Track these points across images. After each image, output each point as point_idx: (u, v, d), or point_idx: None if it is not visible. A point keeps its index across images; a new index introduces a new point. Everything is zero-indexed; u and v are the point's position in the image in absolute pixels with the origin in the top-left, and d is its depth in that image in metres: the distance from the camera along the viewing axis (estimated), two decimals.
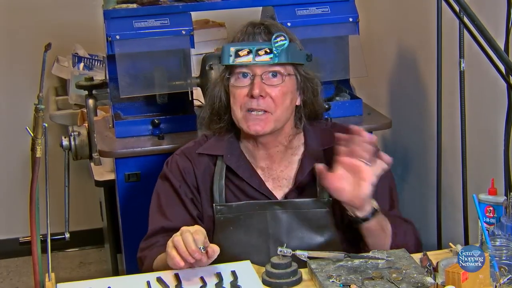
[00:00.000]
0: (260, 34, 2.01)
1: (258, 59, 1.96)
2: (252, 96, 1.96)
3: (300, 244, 1.98)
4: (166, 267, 1.83)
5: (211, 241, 2.03)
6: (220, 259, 1.93)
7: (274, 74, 1.99)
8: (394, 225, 1.97)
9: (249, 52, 1.96)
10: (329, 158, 2.05)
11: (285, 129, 2.05)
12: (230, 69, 2.01)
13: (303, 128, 2.10)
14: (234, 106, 2.00)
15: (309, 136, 2.09)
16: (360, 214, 1.90)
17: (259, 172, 2.08)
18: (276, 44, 1.96)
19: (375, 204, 1.92)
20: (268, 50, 1.96)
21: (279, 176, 2.07)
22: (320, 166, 1.90)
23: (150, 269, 1.95)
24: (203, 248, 1.74)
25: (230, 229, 2.03)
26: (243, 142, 2.10)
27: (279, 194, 2.06)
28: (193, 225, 1.97)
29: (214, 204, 2.05)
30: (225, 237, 2.04)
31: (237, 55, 1.97)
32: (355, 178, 1.86)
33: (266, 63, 1.97)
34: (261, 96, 1.96)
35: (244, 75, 1.99)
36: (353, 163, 1.85)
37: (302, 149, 2.09)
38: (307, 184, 2.06)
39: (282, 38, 1.96)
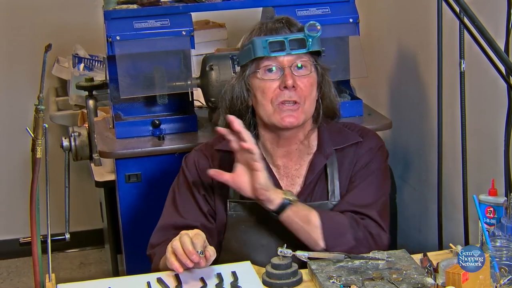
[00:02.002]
0: (283, 28, 2.02)
1: (292, 50, 1.98)
2: (285, 87, 1.97)
3: None
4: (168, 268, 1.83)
5: (223, 239, 2.06)
6: (230, 257, 1.95)
7: (300, 66, 1.99)
8: (325, 218, 1.97)
9: (282, 43, 1.97)
10: (342, 158, 2.07)
11: (306, 125, 2.06)
12: (256, 64, 2.00)
13: (319, 127, 2.11)
14: (264, 100, 2.00)
15: (323, 135, 2.10)
16: (271, 206, 1.94)
17: (274, 170, 2.09)
18: (312, 33, 1.97)
19: (290, 196, 1.95)
20: (300, 41, 1.98)
21: (293, 174, 2.09)
22: (211, 171, 1.96)
23: (157, 268, 1.96)
24: (201, 252, 1.75)
25: (241, 228, 2.04)
26: (262, 141, 2.10)
27: None
28: (204, 222, 2.03)
29: (228, 200, 2.06)
30: (236, 236, 2.05)
31: (271, 46, 1.97)
32: (250, 171, 1.93)
33: (301, 51, 1.98)
34: (293, 87, 1.97)
35: (270, 70, 1.99)
36: (246, 158, 1.92)
37: (315, 148, 2.10)
38: (317, 183, 2.07)
39: (318, 27, 1.98)
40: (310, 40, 1.97)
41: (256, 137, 2.09)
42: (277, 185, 2.06)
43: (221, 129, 1.93)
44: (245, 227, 2.04)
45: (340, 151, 2.08)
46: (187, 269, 1.79)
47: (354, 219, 1.99)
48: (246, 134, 1.90)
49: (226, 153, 2.10)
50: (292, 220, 1.93)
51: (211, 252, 1.79)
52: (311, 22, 1.98)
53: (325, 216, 1.97)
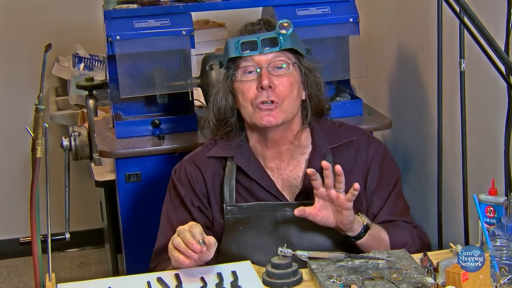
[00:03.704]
0: (261, 29, 2.04)
1: (264, 49, 1.98)
2: (262, 88, 1.97)
3: (310, 246, 1.97)
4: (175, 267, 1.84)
5: (220, 242, 2.04)
6: (228, 259, 1.94)
7: (279, 67, 2.00)
8: (391, 234, 2.00)
9: (255, 43, 1.99)
10: (337, 156, 2.07)
11: (293, 125, 2.06)
12: (235, 66, 2.02)
13: (310, 127, 2.11)
14: (244, 102, 2.01)
15: (316, 134, 2.10)
16: (351, 234, 1.94)
17: (269, 172, 2.07)
18: (282, 30, 1.98)
19: (366, 220, 1.95)
20: (273, 39, 1.99)
21: (288, 176, 2.07)
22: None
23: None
24: (202, 242, 1.75)
25: (239, 229, 2.03)
26: (252, 143, 2.09)
27: (288, 194, 2.06)
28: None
29: (224, 205, 2.04)
30: (234, 237, 2.04)
31: (243, 47, 1.99)
32: (334, 206, 1.89)
33: (273, 50, 1.99)
34: (270, 87, 1.97)
35: (250, 71, 2.00)
36: (329, 194, 1.88)
37: (310, 148, 2.09)
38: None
39: (286, 23, 1.98)
40: (282, 38, 1.98)
41: (246, 139, 2.10)
42: (274, 187, 2.05)
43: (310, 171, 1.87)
44: (242, 228, 2.03)
45: (335, 149, 2.09)
46: (193, 264, 1.78)
47: (411, 230, 2.05)
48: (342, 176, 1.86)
49: (218, 159, 2.10)
50: (368, 244, 1.94)
51: (212, 240, 1.78)
52: (281, 20, 1.99)
53: (393, 234, 2.00)
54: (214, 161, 2.10)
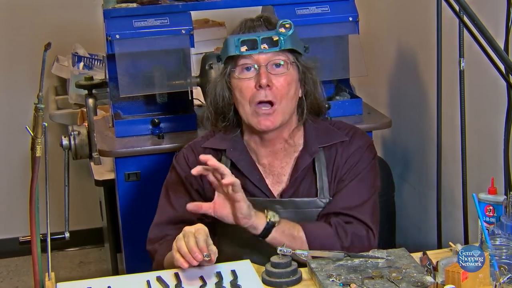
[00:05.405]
0: (261, 26, 2.03)
1: (264, 48, 1.97)
2: (260, 86, 1.97)
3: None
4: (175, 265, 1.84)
5: (213, 236, 2.04)
6: (219, 257, 1.93)
7: (278, 65, 2.00)
8: (311, 231, 1.96)
9: (255, 42, 1.98)
10: (328, 156, 2.06)
11: (289, 123, 2.06)
12: (234, 63, 2.02)
13: (304, 125, 2.10)
14: (242, 100, 2.00)
15: (309, 133, 2.10)
16: (255, 231, 1.92)
17: (260, 168, 2.08)
18: (282, 31, 1.97)
19: (272, 218, 1.92)
20: (273, 39, 1.98)
21: (279, 172, 2.09)
22: (190, 206, 1.90)
23: (161, 265, 1.96)
24: (206, 255, 1.75)
25: (230, 227, 2.03)
26: (247, 139, 2.11)
27: (277, 190, 2.07)
28: (199, 216, 2.00)
29: None
30: (224, 233, 2.05)
31: (243, 45, 1.98)
32: (231, 201, 1.88)
33: (273, 50, 1.98)
34: (268, 86, 1.97)
35: (248, 68, 2.00)
36: (226, 189, 1.86)
37: (302, 146, 2.09)
38: (302, 181, 2.06)
39: (288, 25, 1.98)
40: (282, 38, 1.98)
41: (241, 135, 2.11)
42: (263, 182, 2.06)
43: (196, 169, 1.87)
44: (233, 226, 2.04)
45: (328, 148, 2.08)
46: (193, 266, 1.79)
47: (342, 227, 1.99)
48: (223, 168, 1.86)
49: (214, 150, 2.11)
50: (278, 241, 1.91)
51: (213, 249, 1.78)
52: (283, 21, 1.99)
53: (310, 230, 1.97)
54: (211, 151, 2.10)
